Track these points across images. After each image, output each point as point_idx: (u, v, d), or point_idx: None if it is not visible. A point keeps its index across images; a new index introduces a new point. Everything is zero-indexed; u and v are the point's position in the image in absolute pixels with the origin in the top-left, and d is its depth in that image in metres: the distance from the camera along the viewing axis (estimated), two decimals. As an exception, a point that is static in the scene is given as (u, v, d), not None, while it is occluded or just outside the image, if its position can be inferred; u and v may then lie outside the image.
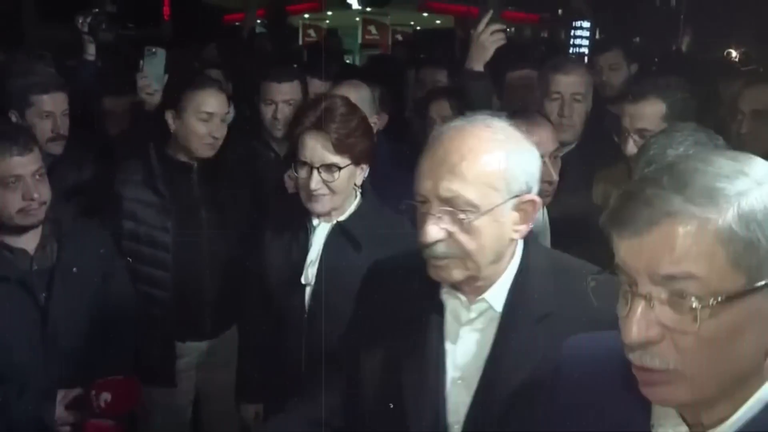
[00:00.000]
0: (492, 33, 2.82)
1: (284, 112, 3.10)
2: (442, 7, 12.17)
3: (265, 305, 2.35)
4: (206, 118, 2.65)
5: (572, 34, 9.25)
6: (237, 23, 9.96)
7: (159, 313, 2.69)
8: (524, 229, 1.53)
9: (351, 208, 2.26)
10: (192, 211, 2.71)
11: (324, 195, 2.16)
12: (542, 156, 2.17)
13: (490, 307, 1.56)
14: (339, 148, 2.13)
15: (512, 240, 1.53)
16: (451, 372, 1.58)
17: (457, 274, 1.51)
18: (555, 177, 2.38)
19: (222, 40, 6.20)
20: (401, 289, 1.63)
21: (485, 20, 2.84)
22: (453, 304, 1.60)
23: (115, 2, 3.75)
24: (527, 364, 1.49)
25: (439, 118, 3.10)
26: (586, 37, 9.01)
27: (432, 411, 1.57)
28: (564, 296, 1.51)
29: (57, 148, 2.90)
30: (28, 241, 2.33)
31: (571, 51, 8.90)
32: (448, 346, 1.59)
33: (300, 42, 10.08)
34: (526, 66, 3.44)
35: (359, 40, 10.72)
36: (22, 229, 2.31)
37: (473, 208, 1.45)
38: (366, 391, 1.66)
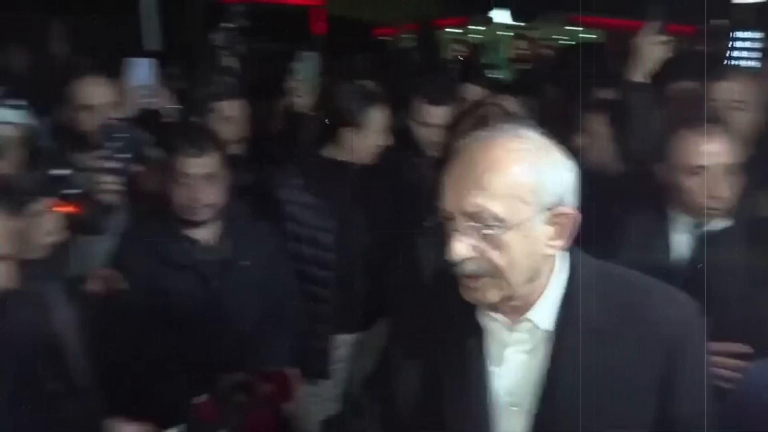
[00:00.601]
0: (656, 44, 2.77)
1: (436, 134, 3.14)
2: (594, 20, 11.91)
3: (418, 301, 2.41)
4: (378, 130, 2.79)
5: (732, 45, 8.78)
6: (386, 37, 10.19)
7: (319, 308, 2.82)
8: (560, 243, 1.44)
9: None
10: (350, 211, 2.82)
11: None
12: (708, 167, 2.13)
13: (535, 326, 1.49)
14: None
15: (547, 256, 1.45)
16: (502, 397, 1.52)
17: (493, 295, 1.44)
18: (724, 193, 2.26)
19: (373, 53, 6.38)
20: (436, 309, 1.57)
21: (649, 30, 2.79)
22: (492, 325, 1.53)
23: (248, 17, 3.98)
24: (587, 383, 1.43)
25: (593, 131, 3.07)
26: (752, 49, 8.53)
27: None
28: (618, 310, 1.46)
29: (237, 151, 3.08)
30: (207, 234, 2.53)
31: (732, 62, 8.47)
32: (493, 369, 1.52)
33: (448, 56, 10.17)
34: (687, 77, 3.33)
35: (506, 55, 10.70)
36: (199, 223, 2.50)
37: (500, 222, 1.38)
38: (404, 415, 1.60)
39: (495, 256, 1.40)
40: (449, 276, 1.45)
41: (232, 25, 3.72)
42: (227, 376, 2.36)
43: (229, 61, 3.68)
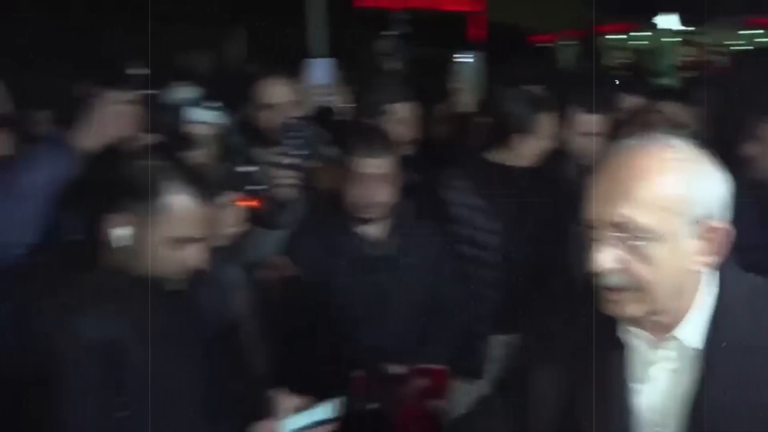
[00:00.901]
0: None
1: (592, 142, 3.11)
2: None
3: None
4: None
5: None
6: (545, 44, 10.09)
7: (480, 308, 2.88)
8: (709, 259, 1.38)
9: None
10: (515, 214, 2.87)
11: None
12: None
13: (683, 344, 1.43)
14: None
15: (695, 271, 1.39)
16: (645, 416, 1.46)
17: (634, 310, 1.39)
18: None
19: (531, 60, 6.37)
20: (577, 320, 1.51)
21: None
22: (636, 342, 1.47)
23: (408, 24, 4.09)
24: (741, 403, 1.37)
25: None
26: None
27: None
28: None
29: (408, 152, 3.19)
30: (376, 231, 2.66)
31: None
32: (637, 387, 1.47)
33: (610, 63, 9.94)
34: None
35: (672, 61, 10.32)
36: (369, 220, 2.63)
37: (647, 233, 1.33)
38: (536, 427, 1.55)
39: (640, 268, 1.35)
40: (593, 287, 1.41)
41: (395, 33, 3.86)
42: (384, 364, 2.47)
43: (394, 65, 3.81)
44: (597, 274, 1.37)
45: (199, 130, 2.52)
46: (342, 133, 2.94)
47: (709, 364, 1.41)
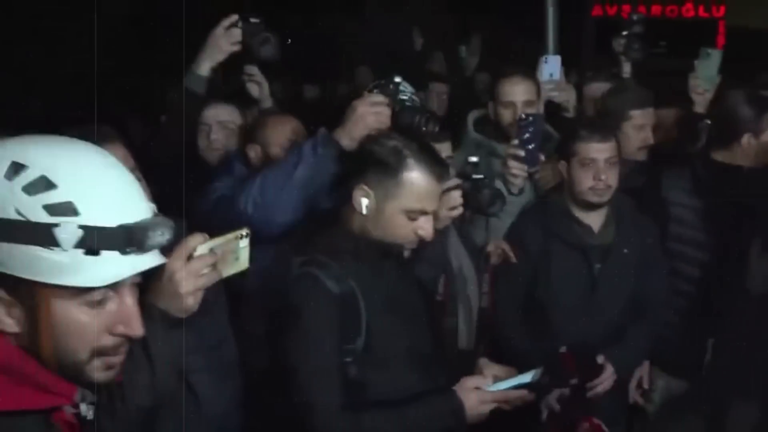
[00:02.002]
0: None
1: None
2: None
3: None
4: None
5: None
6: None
7: (688, 307, 2.89)
8: None
9: None
10: (736, 216, 2.83)
11: None
12: None
13: None
14: None
15: None
16: None
17: None
18: None
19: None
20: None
21: None
22: None
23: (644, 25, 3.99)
24: None
25: None
26: None
27: None
28: None
29: (641, 157, 3.23)
30: (594, 219, 2.79)
31: None
32: None
33: None
34: None
35: None
36: (590, 207, 2.76)
37: None
38: None
39: None
40: None
41: (626, 32, 3.81)
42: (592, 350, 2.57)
43: (625, 67, 3.80)
44: None
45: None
46: (568, 127, 3.06)
47: None
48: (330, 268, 2.01)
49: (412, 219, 2.04)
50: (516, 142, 2.78)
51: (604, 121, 2.95)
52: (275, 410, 2.10)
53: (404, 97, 2.36)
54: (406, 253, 2.16)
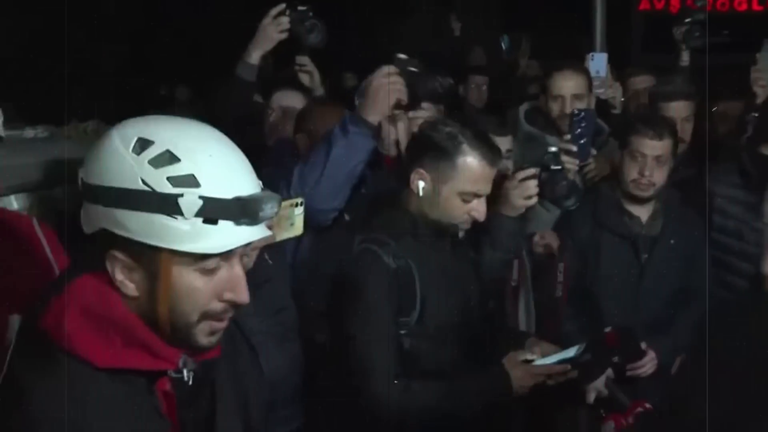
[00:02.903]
0: None
1: None
2: None
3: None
4: None
5: None
6: None
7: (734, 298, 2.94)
8: None
9: None
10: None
11: None
12: None
13: None
14: None
15: None
16: None
17: None
18: None
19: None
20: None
21: None
22: None
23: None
24: None
25: None
26: None
27: None
28: None
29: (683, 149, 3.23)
30: (643, 211, 2.88)
31: None
32: None
33: None
34: None
35: None
36: (638, 200, 2.84)
37: None
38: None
39: None
40: None
41: (688, 20, 3.81)
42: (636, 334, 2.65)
43: (684, 56, 3.81)
44: None
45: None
46: (618, 123, 3.12)
47: None
48: (388, 246, 2.13)
49: (466, 201, 2.16)
50: (568, 137, 2.85)
51: (661, 118, 2.98)
52: (332, 377, 2.24)
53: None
54: (461, 234, 2.27)
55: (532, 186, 2.45)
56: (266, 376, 2.13)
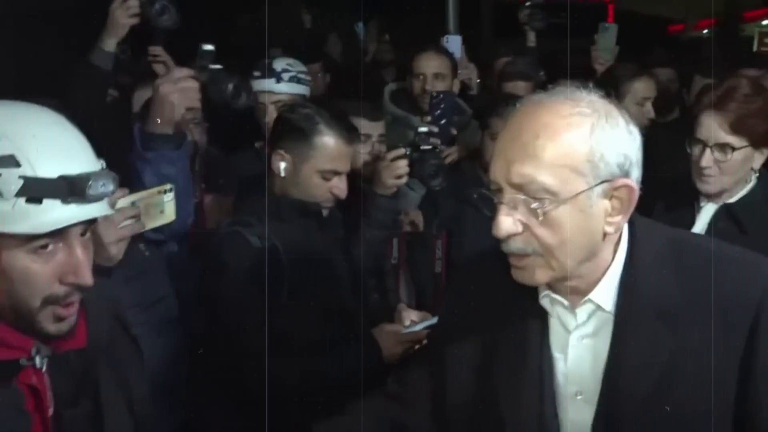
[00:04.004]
0: None
1: None
2: None
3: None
4: None
5: None
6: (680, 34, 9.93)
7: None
8: (619, 220, 1.30)
9: (743, 192, 2.26)
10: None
11: (713, 175, 2.18)
12: None
13: (599, 309, 1.35)
14: (736, 129, 2.13)
15: (606, 234, 1.30)
16: (565, 386, 1.39)
17: (541, 276, 1.31)
18: None
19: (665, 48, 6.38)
20: (495, 291, 1.42)
21: None
22: (556, 309, 1.39)
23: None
24: (654, 368, 1.31)
25: None
26: None
27: (541, 431, 1.40)
28: (690, 283, 1.31)
29: None
30: None
31: None
32: (557, 356, 1.39)
33: (754, 49, 9.62)
34: None
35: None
36: None
37: (551, 195, 1.24)
38: (454, 401, 1.49)
39: (544, 233, 1.26)
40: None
41: (529, 3, 4.05)
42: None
43: (530, 36, 4.06)
44: (500, 239, 1.30)
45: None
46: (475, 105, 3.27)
47: (622, 327, 1.34)
48: (254, 227, 2.18)
49: (326, 179, 2.24)
50: (429, 118, 2.96)
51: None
52: (213, 363, 2.26)
53: (215, 67, 2.32)
54: (325, 212, 2.34)
55: (403, 165, 2.54)
56: (148, 366, 2.14)
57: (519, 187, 1.26)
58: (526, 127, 1.27)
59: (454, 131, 3.08)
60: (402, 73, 3.74)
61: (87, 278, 1.26)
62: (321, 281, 2.28)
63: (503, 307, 1.41)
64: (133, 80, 2.95)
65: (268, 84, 3.09)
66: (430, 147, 2.60)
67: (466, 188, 2.94)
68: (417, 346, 2.26)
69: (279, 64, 3.14)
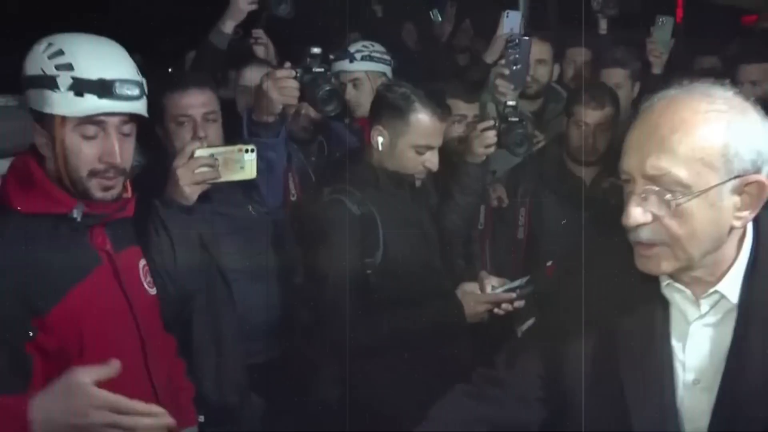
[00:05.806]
0: None
1: None
2: None
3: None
4: None
5: None
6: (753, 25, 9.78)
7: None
8: (747, 215, 1.33)
9: None
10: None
11: None
12: None
13: (724, 299, 1.40)
14: None
15: (733, 228, 1.34)
16: (683, 375, 1.44)
17: (666, 266, 1.36)
18: None
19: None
20: (617, 280, 1.47)
21: None
22: (677, 298, 1.44)
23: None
24: None
25: None
26: None
27: (662, 419, 1.43)
28: None
29: None
30: (587, 173, 3.06)
31: None
32: (675, 344, 1.44)
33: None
34: None
35: None
36: (587, 163, 3.03)
37: (683, 188, 1.29)
38: (572, 389, 1.53)
39: (674, 224, 1.31)
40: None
41: None
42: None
43: (602, 24, 4.11)
44: (629, 228, 1.35)
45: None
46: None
47: (746, 318, 1.37)
48: (354, 195, 2.40)
49: (420, 153, 2.45)
50: (503, 62, 3.07)
51: (602, 88, 3.16)
52: (307, 314, 2.51)
53: (318, 70, 2.49)
54: (418, 183, 2.55)
55: (491, 135, 2.72)
56: (239, 310, 2.42)
57: (653, 179, 1.31)
58: (663, 122, 1.31)
59: (528, 78, 3.17)
60: (476, 59, 3.83)
61: (115, 158, 1.73)
62: (413, 246, 2.48)
63: (626, 296, 1.46)
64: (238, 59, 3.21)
65: (342, 65, 3.29)
66: (516, 119, 2.75)
67: (549, 171, 3.12)
68: (495, 309, 2.45)
69: (354, 47, 3.34)
